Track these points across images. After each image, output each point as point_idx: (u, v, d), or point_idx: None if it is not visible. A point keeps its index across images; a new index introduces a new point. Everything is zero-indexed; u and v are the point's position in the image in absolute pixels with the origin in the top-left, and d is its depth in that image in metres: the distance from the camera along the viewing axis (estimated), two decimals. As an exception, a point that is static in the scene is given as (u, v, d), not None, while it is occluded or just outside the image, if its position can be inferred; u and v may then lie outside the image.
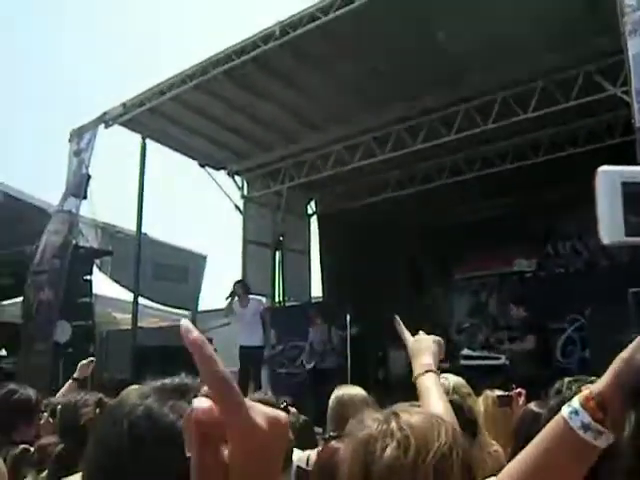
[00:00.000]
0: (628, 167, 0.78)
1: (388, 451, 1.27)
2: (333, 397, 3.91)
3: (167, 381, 1.14)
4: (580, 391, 2.23)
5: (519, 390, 3.95)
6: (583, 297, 9.64)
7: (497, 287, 14.48)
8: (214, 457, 0.68)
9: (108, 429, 1.08)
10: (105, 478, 1.04)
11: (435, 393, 1.90)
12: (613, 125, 10.99)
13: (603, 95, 9.52)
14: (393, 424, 1.31)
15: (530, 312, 9.56)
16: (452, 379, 3.77)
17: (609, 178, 0.77)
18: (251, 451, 0.69)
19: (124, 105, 12.02)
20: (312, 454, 3.55)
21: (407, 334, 2.25)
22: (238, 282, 11.41)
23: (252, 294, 11.35)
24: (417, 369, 2.02)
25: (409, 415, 1.33)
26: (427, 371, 1.99)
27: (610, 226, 0.76)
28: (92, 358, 5.42)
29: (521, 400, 3.86)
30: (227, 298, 11.06)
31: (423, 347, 2.09)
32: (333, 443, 2.00)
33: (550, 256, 14.09)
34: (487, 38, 9.37)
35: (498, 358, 9.23)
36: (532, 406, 3.30)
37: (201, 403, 0.69)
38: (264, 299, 12.18)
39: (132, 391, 1.15)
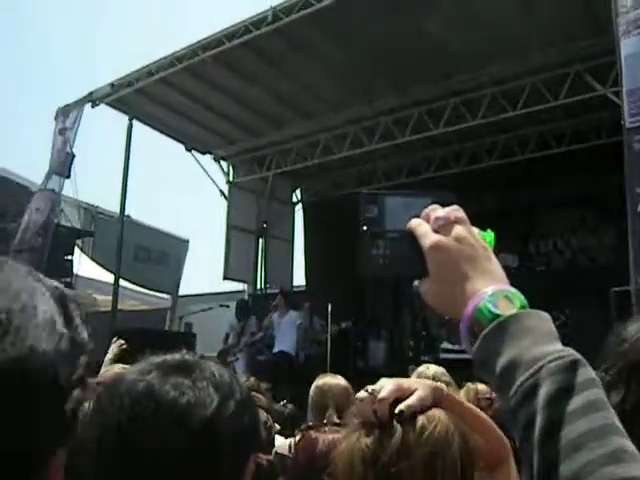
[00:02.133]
0: None
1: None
2: (313, 386, 3.88)
3: (168, 357, 1.11)
4: None
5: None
6: (565, 295, 9.68)
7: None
8: None
9: (107, 406, 1.05)
10: (103, 455, 1.02)
11: None
12: (600, 125, 11.03)
13: (592, 95, 9.56)
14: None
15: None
16: (432, 368, 3.79)
17: None
18: None
19: (112, 85, 11.90)
20: (293, 442, 3.55)
21: None
22: (280, 292, 12.08)
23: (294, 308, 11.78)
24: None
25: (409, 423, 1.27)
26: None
27: None
28: (122, 342, 5.39)
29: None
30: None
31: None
32: (311, 433, 1.96)
33: (532, 254, 14.12)
34: (480, 33, 9.37)
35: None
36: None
37: None
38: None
39: (131, 368, 1.13)
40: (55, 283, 0.76)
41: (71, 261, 12.26)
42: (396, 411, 1.23)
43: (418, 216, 0.99)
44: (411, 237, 0.98)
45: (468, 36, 9.45)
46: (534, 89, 10.12)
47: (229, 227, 14.39)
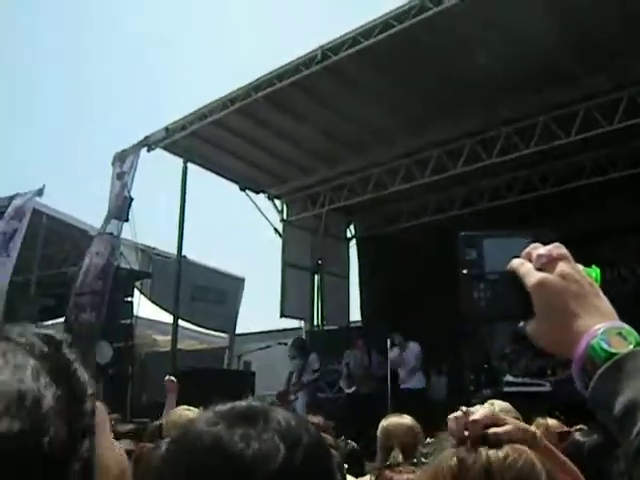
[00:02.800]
0: None
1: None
2: (380, 427, 3.89)
3: (235, 405, 1.10)
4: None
5: (580, 426, 3.60)
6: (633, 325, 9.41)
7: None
8: None
9: (175, 459, 1.04)
10: None
11: None
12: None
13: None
14: (481, 454, 1.22)
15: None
16: (498, 404, 3.65)
17: None
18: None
19: (166, 129, 12.17)
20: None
21: None
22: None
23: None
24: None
25: (496, 449, 1.23)
26: None
27: None
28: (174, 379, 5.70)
29: None
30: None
31: None
32: (387, 473, 1.93)
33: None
34: (528, 60, 9.33)
35: (542, 385, 9.03)
36: (577, 435, 3.16)
37: None
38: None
39: (198, 417, 1.12)
40: (42, 332, 0.77)
41: (131, 303, 12.44)
42: (486, 431, 1.22)
43: (517, 256, 0.99)
44: (513, 277, 0.98)
45: (517, 65, 9.43)
46: (587, 115, 9.98)
47: (284, 264, 14.44)
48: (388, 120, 11.41)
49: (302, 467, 1.00)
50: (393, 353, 11.11)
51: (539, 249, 0.97)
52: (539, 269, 0.95)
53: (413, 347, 11.18)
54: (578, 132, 10.11)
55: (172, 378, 5.70)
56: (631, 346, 0.85)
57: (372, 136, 12.07)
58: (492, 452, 1.21)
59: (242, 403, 1.11)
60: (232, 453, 0.98)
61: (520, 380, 9.80)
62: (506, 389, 9.19)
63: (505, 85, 9.97)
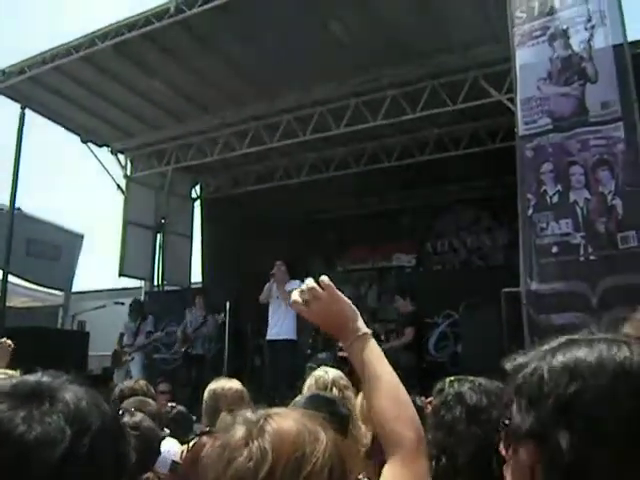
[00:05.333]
0: None
1: (241, 461, 1.12)
2: (207, 390, 3.84)
3: (20, 383, 1.00)
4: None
5: (430, 399, 3.68)
6: (458, 294, 9.92)
7: (376, 280, 14.76)
8: None
9: None
10: None
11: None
12: (496, 130, 11.37)
13: (488, 100, 9.85)
14: (257, 432, 1.15)
15: (415, 306, 9.85)
16: (331, 373, 3.71)
17: None
18: None
19: (3, 72, 11.42)
20: (185, 449, 3.48)
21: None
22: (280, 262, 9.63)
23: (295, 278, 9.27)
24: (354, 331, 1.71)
25: (279, 423, 1.18)
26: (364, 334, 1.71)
27: None
28: (9, 342, 5.02)
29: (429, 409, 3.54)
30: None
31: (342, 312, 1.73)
32: (204, 438, 1.90)
33: (429, 253, 14.48)
34: (381, 34, 9.49)
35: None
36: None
37: None
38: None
39: None
40: None
41: (-44, 256, 11.67)
42: None
43: None
44: None
45: (370, 38, 9.56)
46: (433, 92, 10.35)
47: (125, 222, 14.04)
48: (240, 82, 11.24)
49: (90, 453, 0.94)
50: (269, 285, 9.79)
51: None
52: None
53: (294, 284, 8.72)
54: (423, 108, 10.47)
55: (9, 342, 5.23)
56: None
57: (223, 97, 11.88)
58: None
59: (30, 379, 1.01)
60: (11, 437, 0.90)
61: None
62: (340, 353, 9.43)
63: (357, 58, 10.10)
